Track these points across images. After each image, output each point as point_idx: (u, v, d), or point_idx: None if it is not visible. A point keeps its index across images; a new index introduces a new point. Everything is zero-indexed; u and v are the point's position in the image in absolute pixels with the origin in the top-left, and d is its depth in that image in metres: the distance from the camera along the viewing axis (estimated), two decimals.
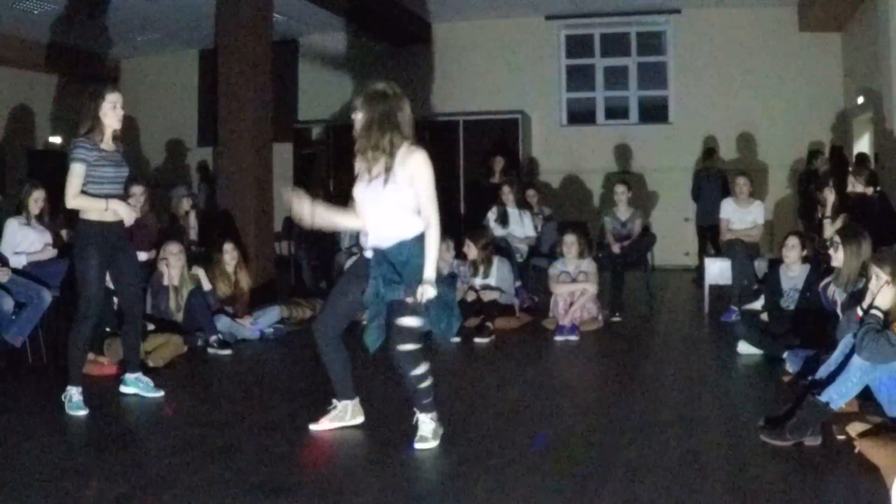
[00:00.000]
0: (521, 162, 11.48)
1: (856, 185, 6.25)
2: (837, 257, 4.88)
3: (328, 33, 12.56)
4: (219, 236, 7.29)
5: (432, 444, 3.77)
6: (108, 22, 11.35)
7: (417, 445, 3.75)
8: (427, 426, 3.81)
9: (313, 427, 4.05)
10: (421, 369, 3.76)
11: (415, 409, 3.84)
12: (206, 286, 6.43)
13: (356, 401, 4.12)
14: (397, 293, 3.67)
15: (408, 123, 3.72)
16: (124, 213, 4.54)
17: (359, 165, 3.82)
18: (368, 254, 3.82)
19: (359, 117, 3.73)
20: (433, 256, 3.67)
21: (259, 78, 8.09)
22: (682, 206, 10.63)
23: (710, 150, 10.67)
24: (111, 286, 4.96)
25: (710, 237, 9.64)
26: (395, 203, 3.68)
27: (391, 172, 3.66)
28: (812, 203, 8.98)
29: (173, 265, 6.22)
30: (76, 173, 4.36)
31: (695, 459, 3.60)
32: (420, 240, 3.68)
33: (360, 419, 4.11)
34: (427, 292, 3.63)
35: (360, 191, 3.80)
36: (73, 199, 4.40)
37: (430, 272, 3.65)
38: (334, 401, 4.10)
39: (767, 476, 3.38)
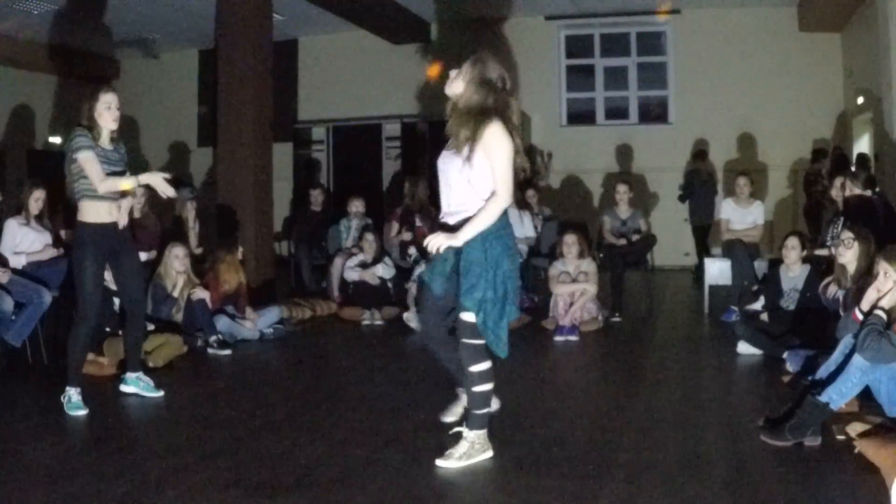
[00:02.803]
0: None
1: (853, 189, 6.24)
2: (847, 255, 4.86)
3: (328, 33, 12.57)
4: (226, 232, 7.29)
5: (454, 464, 3.49)
6: (107, 22, 11.35)
7: (438, 461, 3.51)
8: (462, 446, 3.55)
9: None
10: (481, 367, 3.54)
11: (464, 424, 3.62)
12: (203, 294, 6.34)
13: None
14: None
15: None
16: (159, 185, 4.40)
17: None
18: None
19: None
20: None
21: (259, 78, 8.09)
22: (683, 206, 10.64)
23: (701, 153, 10.72)
24: (112, 286, 4.96)
25: (703, 237, 10.17)
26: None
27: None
28: (817, 203, 9.05)
29: (177, 267, 6.22)
30: (89, 160, 4.32)
31: (695, 459, 3.60)
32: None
33: None
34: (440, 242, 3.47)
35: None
36: (102, 184, 4.34)
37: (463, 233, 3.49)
38: None
39: (767, 476, 3.38)
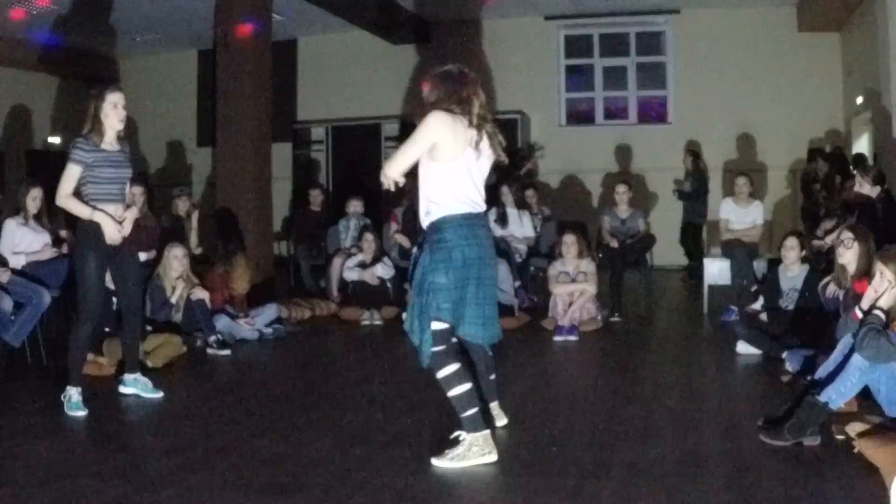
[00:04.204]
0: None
1: (863, 185, 6.23)
2: (847, 255, 4.86)
3: (328, 33, 12.57)
4: (231, 233, 7.29)
5: (447, 464, 3.49)
6: (107, 22, 11.34)
7: (433, 459, 3.52)
8: (459, 447, 3.54)
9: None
10: (443, 373, 3.55)
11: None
12: (203, 294, 6.32)
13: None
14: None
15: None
16: (108, 230, 4.44)
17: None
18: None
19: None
20: None
21: (259, 78, 8.10)
22: (682, 206, 10.66)
23: (696, 154, 10.75)
24: (111, 286, 4.96)
25: (698, 235, 10.42)
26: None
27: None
28: (815, 202, 9.06)
29: (175, 267, 6.21)
30: (70, 174, 4.37)
31: (695, 459, 3.60)
32: None
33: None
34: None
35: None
36: (62, 198, 4.41)
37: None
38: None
39: (767, 476, 3.38)
